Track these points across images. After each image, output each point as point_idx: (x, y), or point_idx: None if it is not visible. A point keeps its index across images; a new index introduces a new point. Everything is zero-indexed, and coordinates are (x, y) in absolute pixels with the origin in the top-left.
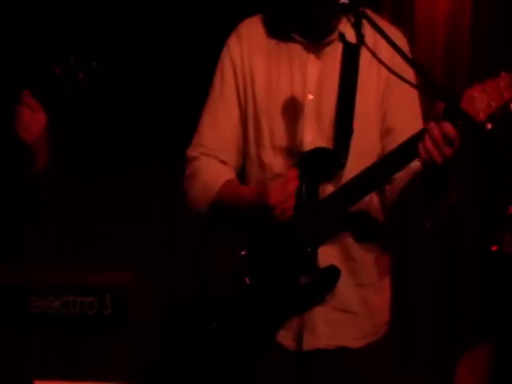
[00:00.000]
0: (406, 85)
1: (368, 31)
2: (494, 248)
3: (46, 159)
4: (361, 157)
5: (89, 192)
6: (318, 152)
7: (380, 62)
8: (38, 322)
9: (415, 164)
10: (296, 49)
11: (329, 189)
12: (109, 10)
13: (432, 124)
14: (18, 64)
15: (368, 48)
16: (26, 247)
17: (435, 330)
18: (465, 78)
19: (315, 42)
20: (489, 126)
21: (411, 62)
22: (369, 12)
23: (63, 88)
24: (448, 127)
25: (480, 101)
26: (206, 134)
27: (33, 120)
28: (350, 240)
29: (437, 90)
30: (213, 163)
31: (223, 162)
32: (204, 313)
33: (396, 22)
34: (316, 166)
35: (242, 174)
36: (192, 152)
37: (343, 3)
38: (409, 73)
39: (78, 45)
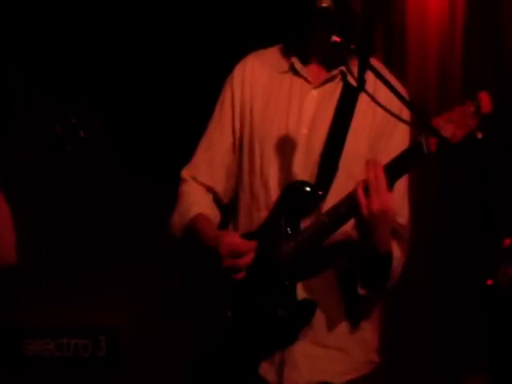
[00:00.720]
0: (397, 135)
1: (370, 74)
2: (489, 281)
3: (14, 255)
4: (343, 194)
5: (81, 231)
6: (299, 184)
7: (378, 104)
8: (33, 365)
9: None
10: (297, 82)
11: (308, 222)
12: (105, 53)
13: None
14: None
15: (367, 93)
16: (19, 290)
17: (430, 363)
18: None
19: (318, 78)
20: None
21: (408, 104)
22: (375, 61)
23: (64, 147)
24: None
25: (446, 130)
26: (200, 157)
27: None
28: (328, 274)
29: (433, 133)
30: (196, 191)
31: (210, 188)
32: (192, 349)
33: (388, 58)
34: (296, 198)
35: (233, 200)
36: (184, 173)
37: (335, 41)
38: (405, 117)
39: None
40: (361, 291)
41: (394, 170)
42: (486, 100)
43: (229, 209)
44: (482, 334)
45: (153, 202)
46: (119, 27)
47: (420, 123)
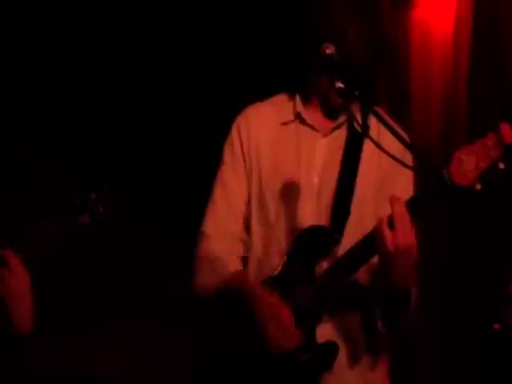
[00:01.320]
0: (401, 180)
1: (373, 119)
2: (496, 326)
3: (30, 323)
4: (357, 237)
5: (87, 277)
6: (314, 229)
7: (382, 150)
8: None
9: None
10: (304, 130)
11: (325, 265)
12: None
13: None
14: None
15: (371, 139)
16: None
17: None
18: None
19: (324, 125)
20: (478, 186)
21: (412, 148)
22: (377, 108)
23: (84, 221)
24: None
25: (468, 163)
26: (219, 208)
27: (10, 281)
28: (345, 316)
29: (436, 176)
30: (223, 248)
31: (237, 238)
32: None
33: (392, 100)
34: (312, 243)
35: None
36: (206, 228)
37: (339, 88)
38: (409, 163)
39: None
40: (382, 329)
41: (417, 205)
42: (507, 131)
43: None
44: (489, 378)
45: (165, 248)
46: (125, 90)
47: (423, 165)
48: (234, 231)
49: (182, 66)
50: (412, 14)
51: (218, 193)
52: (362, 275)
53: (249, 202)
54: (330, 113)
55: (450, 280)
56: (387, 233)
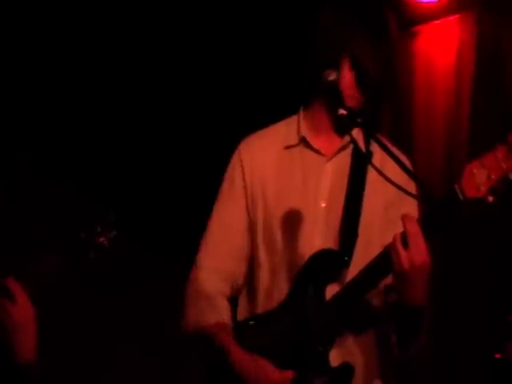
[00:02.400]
0: (407, 204)
1: (376, 145)
2: (497, 355)
3: (33, 353)
4: (364, 262)
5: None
6: (323, 253)
7: (386, 178)
8: None
9: None
10: (309, 155)
11: (335, 288)
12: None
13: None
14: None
15: (375, 167)
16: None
17: None
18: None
19: (329, 148)
20: (490, 198)
21: (414, 176)
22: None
23: (88, 255)
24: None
25: (480, 175)
26: (216, 239)
27: (12, 312)
28: (357, 339)
29: (438, 204)
30: (214, 292)
31: (231, 273)
32: None
33: (395, 130)
34: (322, 266)
35: (249, 280)
36: (200, 259)
37: (342, 114)
38: (412, 189)
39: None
40: (395, 350)
41: (429, 222)
42: None
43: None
44: None
45: (164, 283)
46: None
47: (424, 195)
48: (227, 265)
49: (185, 99)
50: (415, 44)
51: (214, 224)
52: (373, 297)
53: (254, 231)
54: (334, 136)
55: (451, 309)
56: (402, 251)
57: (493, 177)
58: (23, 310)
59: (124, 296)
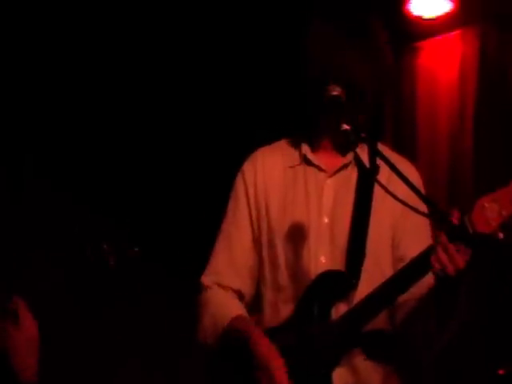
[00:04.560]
0: (419, 216)
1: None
2: (501, 371)
3: (34, 376)
4: (372, 280)
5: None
6: (330, 274)
7: (392, 195)
8: None
9: (425, 284)
10: (311, 171)
11: (341, 309)
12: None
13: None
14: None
15: (380, 183)
16: None
17: None
18: (468, 203)
19: (331, 165)
20: (500, 235)
21: (421, 195)
22: (380, 145)
23: (94, 270)
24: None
25: (491, 210)
26: (220, 261)
27: (14, 335)
28: (359, 360)
29: (447, 221)
30: (224, 295)
31: (237, 291)
32: None
33: (398, 145)
34: (328, 287)
35: (256, 298)
36: (205, 280)
37: (346, 130)
38: (422, 203)
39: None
40: (438, 344)
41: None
42: None
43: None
44: None
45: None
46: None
47: (433, 213)
48: (233, 285)
49: (188, 113)
50: (418, 60)
51: (220, 244)
52: (379, 320)
53: (259, 248)
54: (337, 153)
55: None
56: (444, 257)
57: (504, 213)
58: (26, 332)
59: (125, 309)
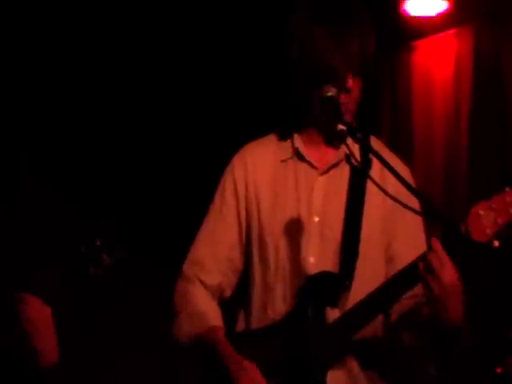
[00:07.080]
0: (411, 214)
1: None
2: (498, 370)
3: (56, 355)
4: (366, 280)
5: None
6: (323, 276)
7: (385, 193)
8: None
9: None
10: (302, 167)
11: (335, 312)
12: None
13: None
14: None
15: (373, 180)
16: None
17: None
18: (463, 201)
19: (323, 161)
20: (496, 243)
21: (415, 191)
22: (373, 140)
23: (88, 269)
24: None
25: (486, 218)
26: (203, 251)
27: (30, 314)
28: (354, 365)
29: (441, 219)
30: (204, 298)
31: (217, 286)
32: None
33: (394, 144)
34: (321, 289)
35: (241, 294)
36: (187, 270)
37: (341, 130)
38: (414, 200)
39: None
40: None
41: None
42: None
43: (235, 304)
44: None
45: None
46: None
47: (426, 210)
48: (212, 278)
49: (174, 107)
50: (413, 58)
51: (204, 237)
52: (373, 326)
53: (249, 245)
54: (328, 151)
55: None
56: (429, 276)
57: (499, 221)
58: (40, 311)
59: (123, 308)
